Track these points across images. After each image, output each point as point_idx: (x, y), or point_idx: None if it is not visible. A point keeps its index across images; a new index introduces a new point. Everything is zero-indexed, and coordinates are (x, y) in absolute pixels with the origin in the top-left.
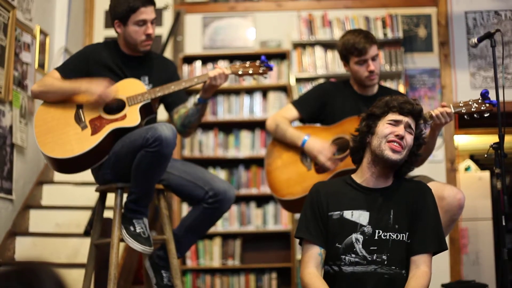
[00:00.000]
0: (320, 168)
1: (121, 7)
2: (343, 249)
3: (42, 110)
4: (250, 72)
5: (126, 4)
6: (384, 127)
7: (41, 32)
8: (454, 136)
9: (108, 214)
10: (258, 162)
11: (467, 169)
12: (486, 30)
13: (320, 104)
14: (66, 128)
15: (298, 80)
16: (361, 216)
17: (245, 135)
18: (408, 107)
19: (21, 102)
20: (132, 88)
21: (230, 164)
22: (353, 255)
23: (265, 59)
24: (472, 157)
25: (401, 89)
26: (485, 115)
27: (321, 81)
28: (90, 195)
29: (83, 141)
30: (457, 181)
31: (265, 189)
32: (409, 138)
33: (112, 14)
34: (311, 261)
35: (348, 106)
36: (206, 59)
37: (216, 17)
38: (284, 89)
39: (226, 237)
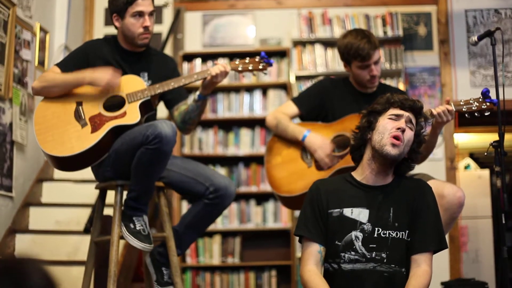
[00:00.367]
0: (320, 165)
1: (119, 0)
2: (342, 247)
3: (41, 107)
4: (250, 68)
5: None
6: (385, 122)
7: (41, 29)
8: (454, 135)
9: (108, 211)
10: (258, 159)
11: (466, 167)
12: (486, 29)
13: (320, 101)
14: (66, 126)
15: (298, 78)
16: (360, 214)
17: (245, 133)
18: (409, 102)
19: (21, 99)
20: (131, 84)
21: (230, 162)
22: (352, 253)
23: (264, 54)
24: (472, 156)
25: (401, 87)
26: (486, 114)
27: (321, 79)
28: (90, 193)
29: (83, 139)
30: (457, 179)
31: (265, 187)
32: (409, 133)
33: (110, 9)
34: (310, 259)
35: (348, 104)
36: (206, 57)
37: (216, 15)
38: (284, 87)
39: (226, 234)
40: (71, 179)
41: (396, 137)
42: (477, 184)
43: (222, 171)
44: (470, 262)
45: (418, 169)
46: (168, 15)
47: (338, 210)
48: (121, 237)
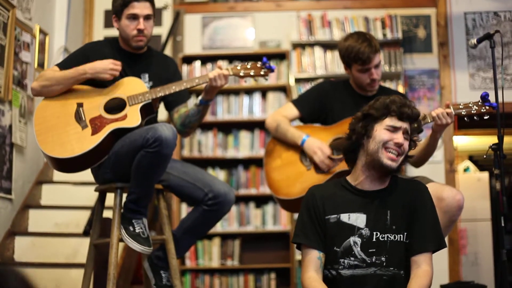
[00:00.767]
0: (319, 168)
1: (117, 1)
2: (341, 253)
3: (41, 108)
4: (252, 73)
5: None
6: (382, 133)
7: (41, 31)
8: (453, 137)
9: (107, 214)
10: (257, 162)
11: (466, 170)
12: (486, 31)
13: (319, 104)
14: (66, 127)
15: (298, 81)
16: (358, 219)
17: (244, 135)
18: (407, 112)
19: (20, 101)
20: (132, 87)
21: (229, 164)
22: (352, 258)
23: (266, 60)
24: (471, 158)
25: (400, 89)
26: (485, 118)
27: (321, 81)
28: (89, 195)
29: (83, 140)
30: (456, 182)
31: (264, 190)
32: (406, 144)
33: (112, 9)
34: (310, 265)
35: (348, 106)
36: (206, 59)
37: (215, 17)
38: (284, 89)
39: (225, 237)
40: (71, 182)
41: (394, 152)
42: (477, 187)
43: (221, 173)
44: (469, 265)
45: (418, 172)
46: (167, 18)
47: (335, 216)
48: (121, 240)
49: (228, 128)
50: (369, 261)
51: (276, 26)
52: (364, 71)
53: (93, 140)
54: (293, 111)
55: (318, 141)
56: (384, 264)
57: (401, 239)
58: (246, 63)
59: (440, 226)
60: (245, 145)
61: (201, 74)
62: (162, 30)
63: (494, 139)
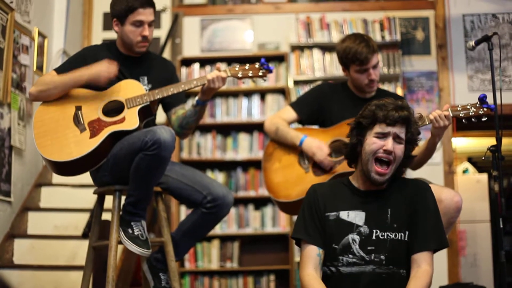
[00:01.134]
0: (318, 170)
1: (120, 6)
2: (340, 250)
3: (40, 111)
4: (250, 74)
5: (125, 3)
6: (371, 141)
7: (40, 34)
8: (452, 139)
9: (106, 216)
10: (256, 164)
11: (465, 171)
12: (484, 33)
13: (317, 106)
14: (65, 131)
15: (296, 83)
16: (357, 217)
17: (243, 138)
18: (394, 116)
19: (19, 104)
20: (131, 89)
21: (228, 167)
22: (350, 256)
23: (264, 61)
24: (470, 160)
25: (399, 91)
26: (483, 119)
27: (319, 83)
28: (88, 197)
29: (81, 144)
30: (455, 184)
31: (263, 192)
32: (398, 150)
33: (111, 12)
34: (309, 262)
35: (346, 108)
36: (204, 62)
37: (214, 20)
38: (282, 91)
39: (224, 239)
40: (70, 184)
41: (382, 160)
42: (476, 189)
43: (220, 176)
44: (468, 266)
45: (416, 174)
46: (166, 20)
47: (335, 213)
48: (119, 242)
49: (227, 130)
50: (367, 259)
51: (275, 28)
52: (362, 71)
53: (92, 143)
54: (291, 114)
55: (317, 141)
56: (384, 262)
57: (402, 238)
58: (244, 64)
59: (443, 225)
60: (244, 147)
61: (200, 76)
62: (161, 33)
63: (493, 141)
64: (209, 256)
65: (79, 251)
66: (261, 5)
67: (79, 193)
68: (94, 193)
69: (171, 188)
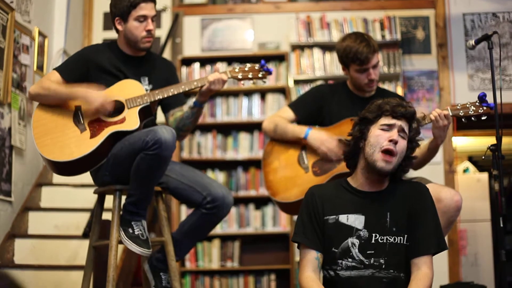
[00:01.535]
0: (317, 170)
1: (122, 4)
2: (339, 254)
3: (40, 111)
4: (250, 76)
5: (127, 0)
6: (376, 133)
7: (40, 34)
8: (453, 138)
9: (106, 216)
10: (256, 164)
11: (465, 170)
12: (484, 32)
13: (316, 107)
14: (65, 131)
15: (297, 82)
16: (356, 220)
17: (243, 137)
18: (401, 110)
19: (20, 104)
20: (131, 89)
21: (228, 166)
22: (349, 260)
23: (264, 63)
24: (471, 159)
25: (399, 91)
26: (483, 118)
27: (320, 83)
28: (89, 197)
29: (82, 144)
30: (456, 183)
31: (264, 191)
32: (402, 143)
33: (112, 12)
34: (308, 265)
35: (345, 107)
36: (205, 61)
37: (214, 19)
38: (283, 91)
39: (225, 239)
40: (70, 184)
41: (388, 152)
42: (476, 188)
43: (221, 175)
44: (469, 265)
45: (416, 173)
46: (166, 20)
47: (334, 216)
48: (120, 242)
49: (227, 130)
50: (367, 263)
51: (275, 27)
52: (362, 71)
53: (92, 143)
54: (290, 114)
55: (323, 132)
56: (383, 266)
57: (401, 241)
58: (244, 66)
59: (441, 227)
60: (245, 147)
61: (200, 76)
62: (161, 32)
63: (493, 140)
64: (210, 255)
65: (80, 250)
66: (262, 5)
67: (79, 193)
68: (95, 192)
69: (171, 188)
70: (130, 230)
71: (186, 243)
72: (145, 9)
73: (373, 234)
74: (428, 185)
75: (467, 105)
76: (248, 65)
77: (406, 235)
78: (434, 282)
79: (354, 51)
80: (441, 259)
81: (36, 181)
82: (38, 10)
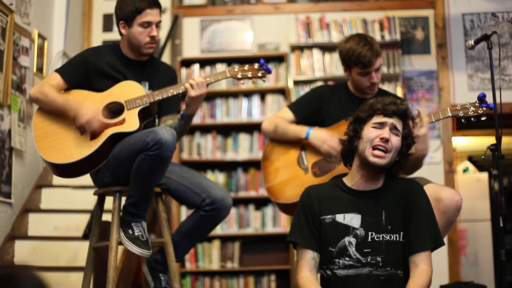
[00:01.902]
0: (317, 171)
1: (127, 8)
2: (336, 253)
3: (40, 113)
4: (249, 75)
5: (132, 5)
6: (368, 131)
7: (40, 36)
8: (452, 138)
9: (106, 217)
10: (256, 164)
11: (465, 170)
12: (484, 32)
13: (316, 108)
14: (65, 133)
15: (296, 83)
16: (353, 219)
17: (243, 138)
18: (392, 108)
19: (19, 106)
20: (131, 91)
21: (228, 167)
22: (346, 258)
23: (264, 62)
24: (471, 159)
25: (399, 91)
26: (482, 119)
27: (319, 83)
28: (88, 198)
29: (82, 146)
30: (456, 183)
31: (264, 192)
32: (395, 140)
33: (117, 15)
34: (305, 265)
35: (345, 108)
36: (204, 62)
37: (214, 20)
38: (282, 91)
39: (225, 239)
40: (70, 185)
41: (378, 148)
42: (476, 187)
43: (220, 176)
44: (469, 265)
45: (416, 173)
46: (166, 21)
47: (331, 216)
48: (120, 243)
49: (227, 130)
50: (364, 261)
51: (275, 28)
52: (364, 74)
53: (92, 145)
54: (289, 115)
55: (324, 131)
56: (380, 264)
57: (397, 239)
58: (243, 65)
59: (437, 224)
60: (244, 148)
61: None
62: (161, 34)
63: (493, 140)
64: (210, 256)
65: (80, 252)
66: (261, 6)
67: (79, 194)
68: (95, 194)
69: (171, 190)
70: (130, 231)
71: (184, 244)
72: (150, 15)
73: (369, 233)
74: (428, 185)
75: (467, 106)
76: (247, 65)
77: (402, 233)
78: (434, 282)
79: (357, 54)
80: (441, 258)
81: (36, 182)
82: (37, 12)
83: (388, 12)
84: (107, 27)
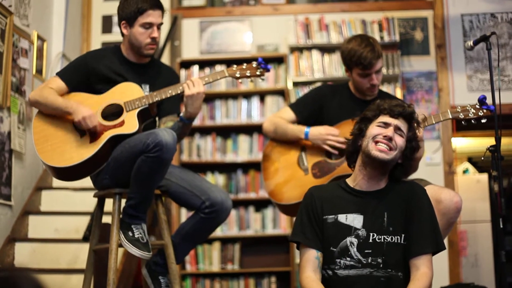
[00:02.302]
0: (317, 172)
1: (130, 8)
2: (338, 253)
3: (39, 117)
4: (248, 74)
5: (135, 6)
6: (373, 129)
7: (39, 37)
8: (452, 139)
9: (106, 219)
10: (256, 166)
11: (465, 171)
12: (483, 33)
13: (317, 107)
14: (65, 136)
15: (296, 84)
16: (355, 220)
17: (243, 139)
18: (398, 109)
19: (19, 108)
20: (129, 92)
21: (228, 169)
22: (348, 259)
23: (262, 60)
24: (470, 160)
25: (398, 92)
26: (483, 121)
27: (318, 84)
28: (88, 201)
29: (82, 149)
30: (455, 184)
31: (264, 193)
32: (399, 140)
33: (120, 15)
34: (308, 265)
35: (345, 110)
36: (204, 64)
37: (213, 22)
38: (282, 93)
39: (225, 241)
40: (70, 187)
41: (383, 145)
42: (476, 189)
43: (220, 178)
44: (469, 266)
45: (416, 174)
46: (165, 22)
47: (333, 216)
48: (120, 245)
49: (226, 132)
50: (364, 262)
51: (274, 30)
52: (365, 75)
53: (92, 148)
54: (290, 115)
55: (322, 128)
56: (381, 265)
57: (399, 241)
58: (241, 64)
59: (439, 227)
60: (244, 149)
61: None
62: (160, 35)
63: (493, 141)
64: (210, 258)
65: (80, 254)
66: (260, 7)
67: (79, 196)
68: (95, 196)
69: (170, 192)
70: (130, 233)
71: (184, 246)
72: (152, 16)
73: (371, 234)
74: (428, 187)
75: (467, 108)
76: (246, 64)
77: (403, 235)
78: (435, 283)
79: (358, 55)
80: (442, 260)
81: (36, 185)
82: (36, 14)
83: (387, 13)
84: (106, 29)
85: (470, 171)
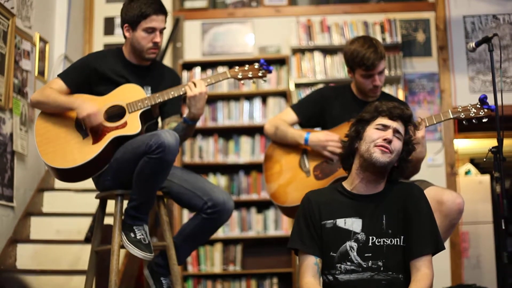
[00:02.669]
0: (319, 174)
1: (133, 12)
2: (338, 258)
3: (42, 118)
4: (250, 75)
5: (138, 10)
6: (372, 132)
7: (41, 39)
8: (454, 140)
9: (108, 220)
10: (258, 167)
11: (467, 173)
12: (485, 34)
13: (318, 109)
14: (67, 137)
15: (297, 86)
16: (354, 224)
17: (245, 141)
18: (397, 111)
19: (21, 109)
20: (131, 94)
21: (230, 170)
22: (348, 263)
23: (264, 62)
24: (472, 161)
25: (400, 93)
26: (484, 121)
27: (321, 86)
28: (90, 202)
29: (84, 150)
30: (457, 185)
31: (266, 195)
32: (397, 143)
33: (123, 17)
34: (308, 271)
35: (347, 110)
36: (206, 65)
37: (215, 23)
38: (284, 94)
39: (227, 242)
40: (72, 189)
41: (383, 147)
42: (478, 190)
43: (222, 179)
44: (471, 267)
45: (418, 175)
46: (167, 24)
47: (331, 221)
48: (122, 246)
49: (228, 133)
50: (365, 266)
51: (276, 31)
52: (368, 76)
53: (95, 149)
54: (292, 116)
55: (321, 134)
56: (382, 268)
57: (398, 243)
58: (243, 66)
59: (438, 227)
60: (246, 151)
61: None
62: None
63: (495, 142)
64: (212, 259)
65: (82, 255)
66: (262, 8)
67: (81, 197)
68: (96, 197)
69: (172, 193)
70: (132, 235)
71: (186, 247)
72: (155, 21)
73: (370, 237)
74: (430, 188)
75: (468, 108)
76: (248, 65)
77: (402, 237)
78: (436, 284)
79: (361, 56)
80: (443, 261)
81: (38, 186)
82: (38, 16)
83: (389, 15)
84: (108, 31)
85: (472, 172)
